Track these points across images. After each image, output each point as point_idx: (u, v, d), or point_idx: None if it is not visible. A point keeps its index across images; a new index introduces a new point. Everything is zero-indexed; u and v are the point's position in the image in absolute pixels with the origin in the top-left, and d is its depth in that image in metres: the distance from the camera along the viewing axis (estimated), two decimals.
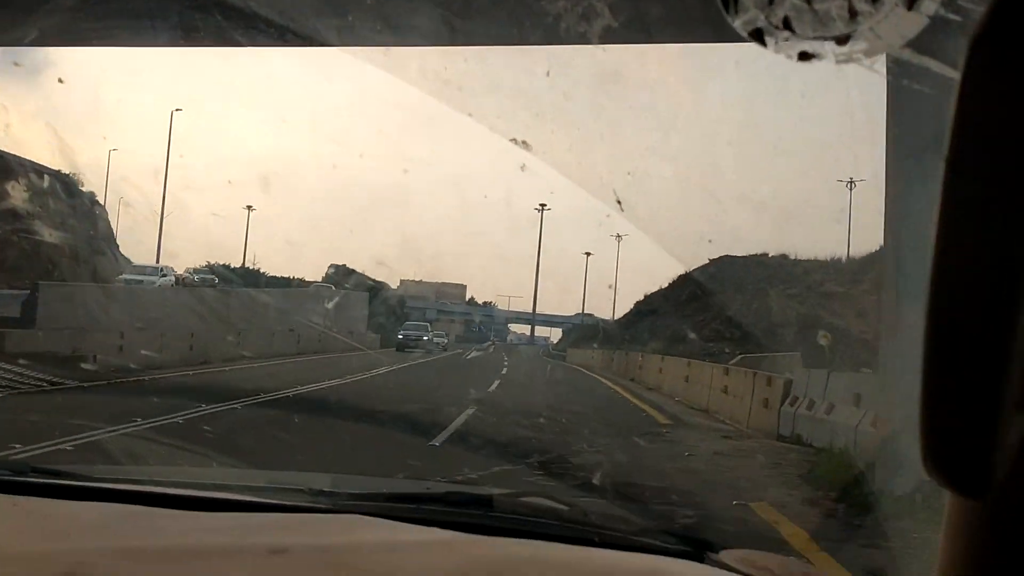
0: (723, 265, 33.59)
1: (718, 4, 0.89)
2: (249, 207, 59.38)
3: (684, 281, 35.69)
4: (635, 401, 17.58)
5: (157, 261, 48.25)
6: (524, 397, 16.40)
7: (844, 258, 32.29)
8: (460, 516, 1.49)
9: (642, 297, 45.03)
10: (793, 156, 53.25)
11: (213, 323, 24.45)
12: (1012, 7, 0.58)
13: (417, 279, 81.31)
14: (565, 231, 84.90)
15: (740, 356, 23.93)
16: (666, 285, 40.61)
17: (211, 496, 1.56)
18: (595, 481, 6.72)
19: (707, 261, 33.93)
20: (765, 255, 34.56)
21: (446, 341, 45.32)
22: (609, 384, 24.14)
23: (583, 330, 54.69)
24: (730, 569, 1.31)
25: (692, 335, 29.09)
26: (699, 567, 1.31)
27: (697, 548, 1.39)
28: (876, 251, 34.51)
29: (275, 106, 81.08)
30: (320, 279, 56.20)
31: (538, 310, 68.84)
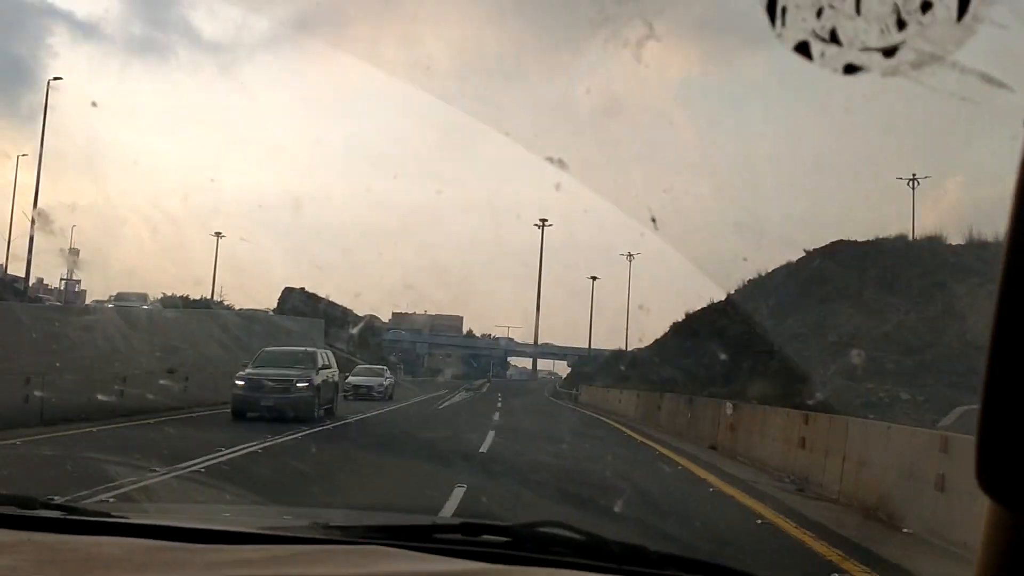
0: (837, 256, 22.27)
1: (763, 16, 0.84)
2: (218, 233, 48.31)
3: (757, 286, 24.27)
4: None
5: (27, 278, 37.38)
6: None
7: None
8: (479, 546, 1.52)
9: (683, 316, 33.67)
10: (833, 171, 52.92)
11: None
12: None
13: (410, 311, 71.07)
14: (586, 256, 75.98)
15: (960, 409, 12.52)
16: (720, 298, 29.09)
17: (233, 530, 1.58)
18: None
19: (803, 253, 22.75)
20: (903, 237, 23.34)
21: (387, 383, 26.83)
22: (700, 474, 11.72)
23: (597, 362, 45.61)
24: None
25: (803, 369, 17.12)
26: None
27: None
28: None
29: (310, 126, 77.77)
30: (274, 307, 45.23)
31: (542, 340, 58.71)
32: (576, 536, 1.53)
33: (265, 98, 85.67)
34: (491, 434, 14.96)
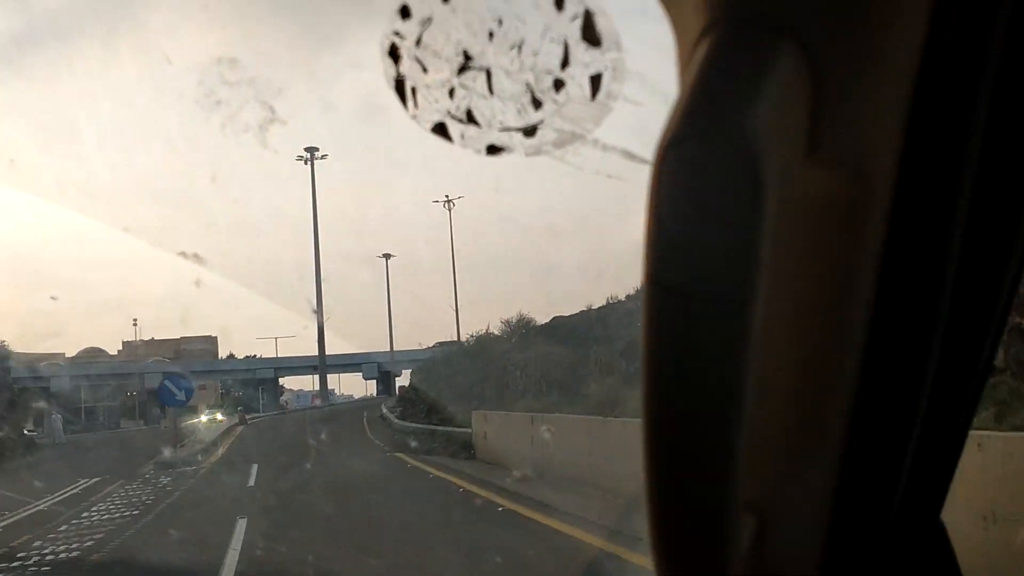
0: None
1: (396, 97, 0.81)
2: None
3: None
4: None
5: None
6: None
7: None
8: None
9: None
10: (492, 248, 53.36)
11: None
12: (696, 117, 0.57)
13: (147, 338, 61.68)
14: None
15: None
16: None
17: None
18: None
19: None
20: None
21: None
22: None
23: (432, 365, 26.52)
24: None
25: None
26: None
27: None
28: None
29: None
30: None
31: (333, 351, 44.44)
32: None
33: None
34: None
